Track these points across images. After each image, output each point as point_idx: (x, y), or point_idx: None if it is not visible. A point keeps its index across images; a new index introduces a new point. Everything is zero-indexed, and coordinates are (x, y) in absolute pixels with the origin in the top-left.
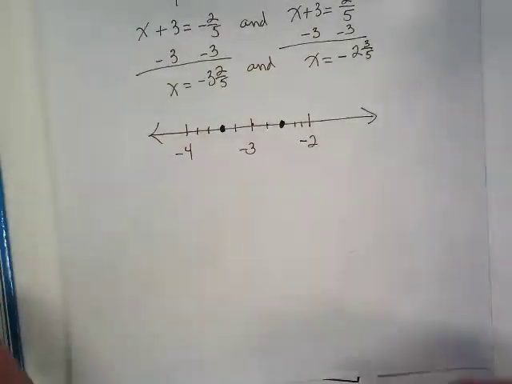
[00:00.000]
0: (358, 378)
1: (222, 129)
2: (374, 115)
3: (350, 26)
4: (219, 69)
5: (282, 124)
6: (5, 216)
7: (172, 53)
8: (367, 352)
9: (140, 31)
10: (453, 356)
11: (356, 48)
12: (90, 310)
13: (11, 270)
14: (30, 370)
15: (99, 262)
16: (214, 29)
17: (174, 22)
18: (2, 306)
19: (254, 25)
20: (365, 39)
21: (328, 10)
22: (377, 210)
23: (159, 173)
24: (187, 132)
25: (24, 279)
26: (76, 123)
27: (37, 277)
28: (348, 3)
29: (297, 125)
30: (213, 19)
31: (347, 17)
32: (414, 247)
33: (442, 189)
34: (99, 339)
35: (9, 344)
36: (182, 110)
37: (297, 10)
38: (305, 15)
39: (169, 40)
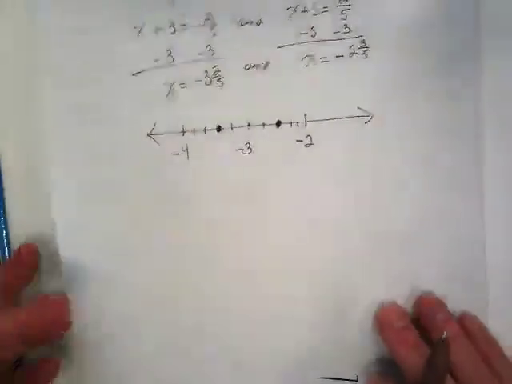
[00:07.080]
0: (358, 377)
1: (219, 129)
2: (370, 115)
3: (346, 26)
4: (216, 68)
5: (278, 124)
6: (5, 216)
7: (168, 52)
8: (367, 352)
9: (136, 31)
10: None
11: (353, 47)
12: (90, 311)
13: None
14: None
15: (99, 263)
16: (210, 28)
17: (170, 22)
18: None
19: (250, 24)
20: (361, 39)
21: (325, 10)
22: (374, 209)
23: (156, 173)
24: (184, 132)
25: None
26: (73, 123)
27: (37, 277)
28: (344, 3)
29: (293, 124)
30: (209, 19)
31: (344, 16)
32: (413, 247)
33: (440, 189)
34: (99, 339)
35: None
36: (179, 110)
37: (294, 10)
38: (302, 14)
39: (165, 40)
